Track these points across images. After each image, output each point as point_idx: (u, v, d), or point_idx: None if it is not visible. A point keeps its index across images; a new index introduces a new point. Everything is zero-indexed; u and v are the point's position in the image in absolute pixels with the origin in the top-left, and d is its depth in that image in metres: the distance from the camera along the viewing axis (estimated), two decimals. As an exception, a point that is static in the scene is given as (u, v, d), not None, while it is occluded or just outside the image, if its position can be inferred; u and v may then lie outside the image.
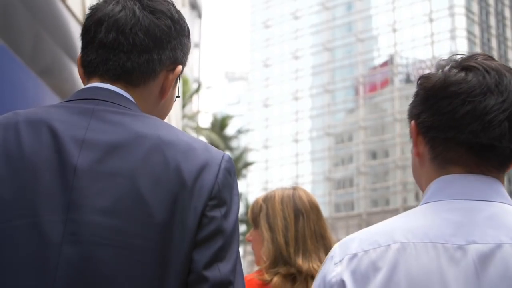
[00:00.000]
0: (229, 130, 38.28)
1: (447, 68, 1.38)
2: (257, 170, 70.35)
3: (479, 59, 1.38)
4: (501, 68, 1.35)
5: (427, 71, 1.43)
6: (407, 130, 1.60)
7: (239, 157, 36.94)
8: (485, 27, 67.66)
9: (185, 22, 1.50)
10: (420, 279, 1.22)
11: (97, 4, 1.46)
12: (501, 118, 1.30)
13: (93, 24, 1.42)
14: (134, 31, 1.39)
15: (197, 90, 30.40)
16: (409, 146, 1.64)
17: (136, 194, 1.23)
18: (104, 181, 1.24)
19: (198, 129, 27.37)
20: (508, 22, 71.07)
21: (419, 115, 1.40)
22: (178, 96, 1.57)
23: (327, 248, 2.41)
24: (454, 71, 1.36)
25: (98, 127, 1.31)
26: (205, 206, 1.27)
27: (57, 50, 8.47)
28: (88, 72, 1.44)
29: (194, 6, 38.80)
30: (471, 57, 1.39)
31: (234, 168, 1.37)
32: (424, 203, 1.37)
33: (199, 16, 41.06)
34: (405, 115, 1.54)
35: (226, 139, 35.76)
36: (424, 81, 1.41)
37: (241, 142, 44.42)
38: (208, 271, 1.25)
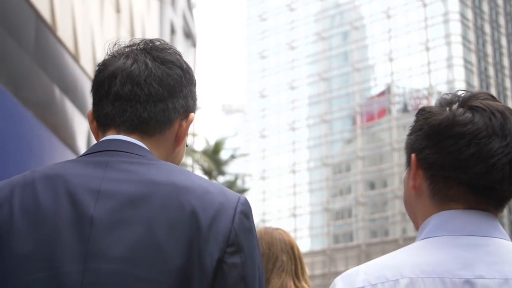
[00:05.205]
0: (224, 155, 37.39)
1: (454, 106, 1.39)
2: (255, 201, 69.60)
3: (483, 99, 1.39)
4: (505, 110, 1.38)
5: (424, 101, 1.38)
6: (405, 160, 1.48)
7: (233, 183, 36.03)
8: (482, 56, 67.60)
9: (193, 72, 1.53)
10: None
11: (105, 59, 1.49)
12: (504, 162, 1.33)
13: (106, 78, 1.45)
14: (149, 81, 1.44)
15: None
16: (407, 176, 1.47)
17: (153, 241, 1.25)
18: (120, 230, 1.27)
19: (189, 152, 26.64)
20: (504, 51, 71.04)
21: (421, 150, 1.40)
22: (188, 145, 1.59)
23: None
24: (461, 110, 1.37)
25: (113, 178, 1.35)
26: (223, 253, 1.26)
27: (70, 106, 8.81)
28: (103, 124, 1.47)
29: (189, 35, 38.42)
30: (475, 96, 1.41)
31: (251, 210, 1.35)
32: (425, 238, 1.38)
33: (194, 45, 40.67)
34: (403, 145, 1.48)
35: (219, 164, 34.84)
36: (429, 116, 1.41)
37: (238, 172, 43.58)
38: None
